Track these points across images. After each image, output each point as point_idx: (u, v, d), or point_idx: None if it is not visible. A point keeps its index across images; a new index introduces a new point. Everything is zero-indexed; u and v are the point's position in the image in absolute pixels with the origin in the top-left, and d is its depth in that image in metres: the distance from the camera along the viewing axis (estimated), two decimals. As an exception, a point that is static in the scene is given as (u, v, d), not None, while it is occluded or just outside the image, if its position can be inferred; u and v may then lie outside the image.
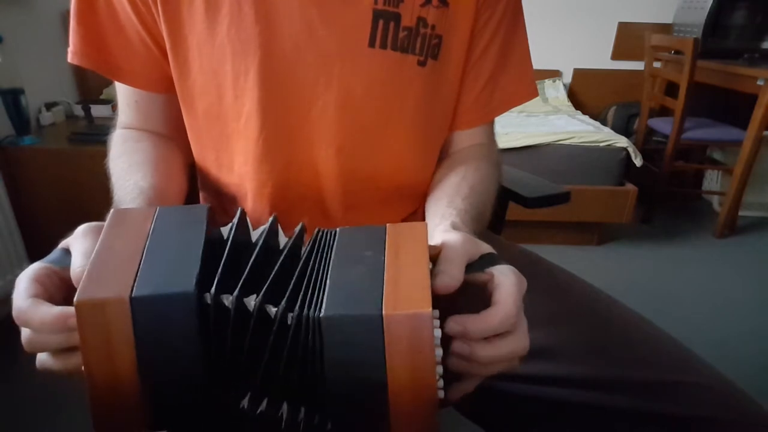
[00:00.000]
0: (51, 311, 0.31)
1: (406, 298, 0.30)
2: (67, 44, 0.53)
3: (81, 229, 0.36)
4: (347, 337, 0.29)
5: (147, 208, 0.35)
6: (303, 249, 0.36)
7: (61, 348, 0.32)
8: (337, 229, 0.35)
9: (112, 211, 0.34)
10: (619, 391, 0.45)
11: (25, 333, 0.32)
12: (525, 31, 0.61)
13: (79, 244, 0.34)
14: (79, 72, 1.96)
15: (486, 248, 0.39)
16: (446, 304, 0.32)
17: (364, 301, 0.30)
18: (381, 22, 0.51)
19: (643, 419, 0.43)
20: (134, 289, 0.29)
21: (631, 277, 1.92)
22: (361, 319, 0.29)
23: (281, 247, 0.36)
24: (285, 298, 0.31)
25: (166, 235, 0.32)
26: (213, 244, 0.33)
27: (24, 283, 0.33)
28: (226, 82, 0.51)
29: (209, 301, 0.30)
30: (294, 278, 0.33)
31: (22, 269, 0.35)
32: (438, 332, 0.30)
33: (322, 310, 0.30)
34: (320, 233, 0.37)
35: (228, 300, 0.31)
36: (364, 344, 0.29)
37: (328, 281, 0.31)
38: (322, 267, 0.33)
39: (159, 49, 0.53)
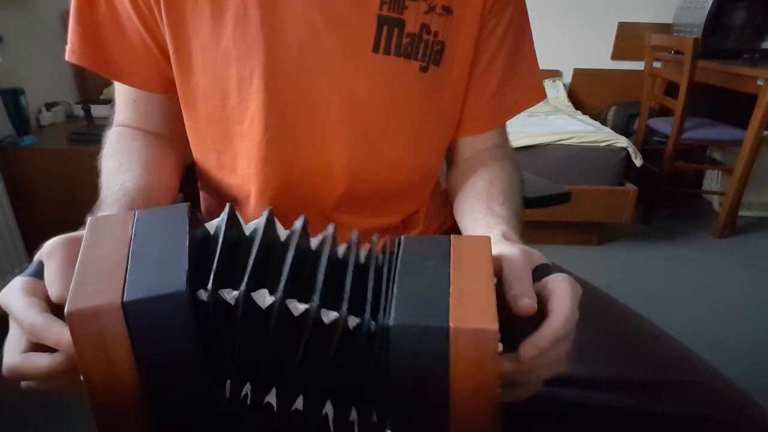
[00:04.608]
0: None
1: (472, 313, 0.30)
2: (66, 44, 0.53)
3: (47, 246, 0.35)
4: (414, 347, 0.30)
5: (125, 213, 0.34)
6: (344, 251, 0.37)
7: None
8: (402, 238, 0.36)
9: (89, 220, 0.33)
10: (619, 390, 0.45)
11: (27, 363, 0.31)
12: (531, 34, 0.61)
13: (49, 266, 0.34)
14: (79, 72, 1.96)
15: (540, 258, 0.40)
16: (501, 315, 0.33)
17: (432, 313, 0.30)
18: (385, 29, 0.51)
19: (643, 419, 0.43)
20: (125, 294, 0.29)
21: (631, 277, 1.92)
22: (429, 330, 0.30)
23: (282, 240, 0.36)
24: (345, 302, 0.32)
25: (149, 237, 0.32)
26: (199, 242, 0.33)
27: (21, 299, 0.32)
28: (231, 85, 0.51)
29: (204, 298, 0.30)
30: (349, 282, 0.33)
31: (21, 269, 0.34)
32: (500, 346, 0.30)
33: (391, 319, 0.30)
34: (381, 241, 0.38)
35: (230, 295, 0.31)
36: (430, 355, 0.30)
37: (395, 290, 0.32)
38: (384, 274, 0.34)
39: (160, 50, 0.53)
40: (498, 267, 0.37)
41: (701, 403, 0.43)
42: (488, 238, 0.35)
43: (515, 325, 0.33)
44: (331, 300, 0.32)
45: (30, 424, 1.15)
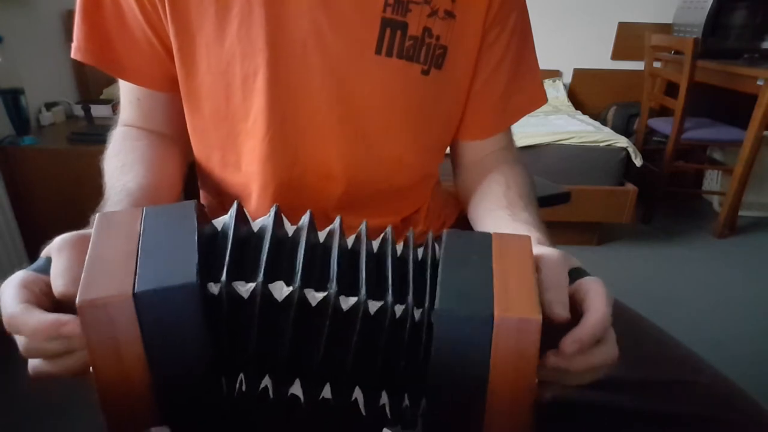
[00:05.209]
0: (45, 318, 0.30)
1: (516, 303, 0.31)
2: (67, 44, 0.54)
3: (57, 241, 0.35)
4: (457, 333, 0.31)
5: (133, 209, 0.34)
6: (353, 242, 0.37)
7: (58, 354, 0.31)
8: (444, 232, 0.37)
9: (97, 216, 0.33)
10: (620, 390, 0.45)
11: (20, 340, 0.31)
12: (533, 39, 0.62)
13: (57, 261, 0.33)
14: (79, 72, 1.96)
15: (575, 262, 0.40)
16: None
17: (476, 301, 0.31)
18: (388, 31, 0.51)
19: (644, 419, 0.43)
20: (135, 285, 0.29)
21: (631, 277, 1.92)
22: (472, 317, 0.30)
23: (290, 235, 0.37)
24: (362, 287, 0.33)
25: (158, 232, 0.32)
26: (208, 237, 0.33)
27: (12, 290, 0.32)
28: (235, 83, 0.52)
29: (216, 291, 0.31)
30: (363, 270, 0.34)
31: (21, 269, 0.34)
32: None
33: (436, 304, 0.31)
34: (399, 234, 0.38)
35: (245, 288, 0.31)
36: (472, 342, 0.30)
37: (439, 278, 0.32)
38: (409, 264, 0.35)
39: (164, 48, 0.53)
40: (537, 266, 0.37)
41: (702, 403, 0.43)
42: (529, 237, 0.36)
43: (547, 325, 0.33)
44: (347, 288, 0.33)
45: (30, 423, 1.15)
